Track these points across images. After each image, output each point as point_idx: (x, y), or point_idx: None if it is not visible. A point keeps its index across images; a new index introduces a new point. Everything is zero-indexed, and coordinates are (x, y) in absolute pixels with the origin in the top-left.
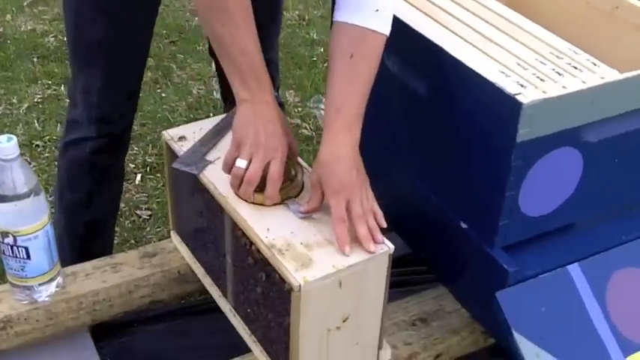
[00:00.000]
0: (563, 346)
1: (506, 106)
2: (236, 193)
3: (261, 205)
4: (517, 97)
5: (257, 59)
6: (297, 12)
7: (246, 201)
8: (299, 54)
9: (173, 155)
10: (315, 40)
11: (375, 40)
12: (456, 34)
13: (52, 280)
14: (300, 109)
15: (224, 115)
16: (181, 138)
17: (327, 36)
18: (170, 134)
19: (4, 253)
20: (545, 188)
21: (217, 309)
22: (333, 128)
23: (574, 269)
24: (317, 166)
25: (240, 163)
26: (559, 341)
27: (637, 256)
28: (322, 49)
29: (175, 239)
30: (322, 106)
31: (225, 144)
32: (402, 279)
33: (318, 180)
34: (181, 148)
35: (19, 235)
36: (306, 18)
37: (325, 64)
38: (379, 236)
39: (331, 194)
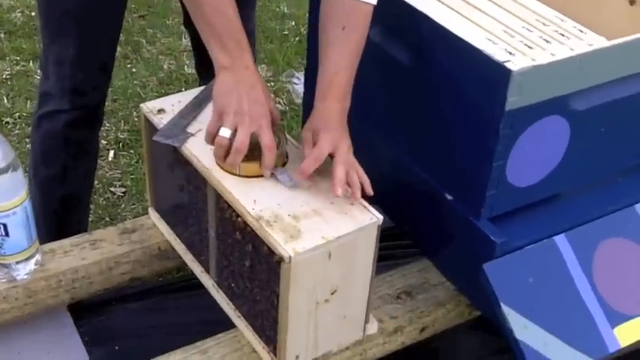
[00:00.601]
0: (551, 317)
1: (494, 73)
2: (219, 165)
3: (246, 176)
4: (506, 64)
5: (236, 24)
6: None
7: (230, 173)
8: (270, 27)
9: (152, 129)
10: (285, 14)
11: (363, 11)
12: (440, 1)
13: (30, 257)
14: (272, 83)
15: (203, 87)
16: (160, 111)
17: (297, 9)
18: (149, 107)
19: None
20: (532, 158)
21: (197, 286)
22: (326, 100)
23: (561, 240)
24: (307, 126)
25: (224, 132)
26: (547, 313)
27: (623, 225)
28: (293, 23)
29: (154, 216)
30: (295, 81)
31: (206, 116)
32: (386, 253)
33: (309, 135)
34: (161, 121)
35: None
36: None
37: (297, 38)
38: (358, 193)
39: (324, 138)
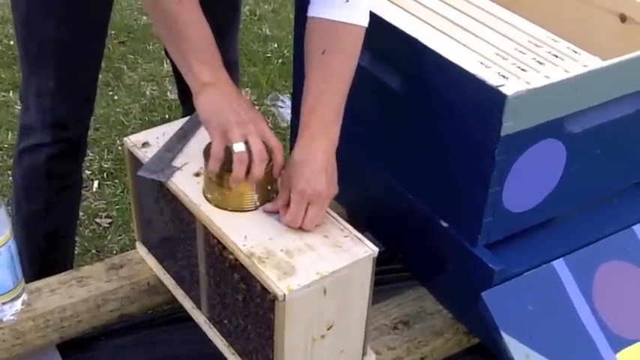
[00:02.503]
0: (553, 345)
1: (488, 98)
2: (207, 199)
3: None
4: (500, 88)
5: (211, 38)
6: (247, 7)
7: (219, 207)
8: (252, 50)
9: (137, 163)
10: (267, 36)
11: (347, 33)
12: (430, 25)
13: (16, 298)
14: (257, 107)
15: (187, 118)
16: (145, 144)
17: (280, 31)
18: (132, 141)
19: None
20: (528, 182)
21: (187, 318)
22: (309, 130)
23: (559, 265)
24: (289, 167)
25: (239, 147)
26: (548, 340)
27: (622, 248)
28: (276, 45)
29: (141, 250)
30: (280, 104)
31: (192, 149)
32: (379, 278)
33: (287, 179)
34: (145, 155)
35: None
36: (257, 13)
37: (280, 60)
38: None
39: (294, 194)
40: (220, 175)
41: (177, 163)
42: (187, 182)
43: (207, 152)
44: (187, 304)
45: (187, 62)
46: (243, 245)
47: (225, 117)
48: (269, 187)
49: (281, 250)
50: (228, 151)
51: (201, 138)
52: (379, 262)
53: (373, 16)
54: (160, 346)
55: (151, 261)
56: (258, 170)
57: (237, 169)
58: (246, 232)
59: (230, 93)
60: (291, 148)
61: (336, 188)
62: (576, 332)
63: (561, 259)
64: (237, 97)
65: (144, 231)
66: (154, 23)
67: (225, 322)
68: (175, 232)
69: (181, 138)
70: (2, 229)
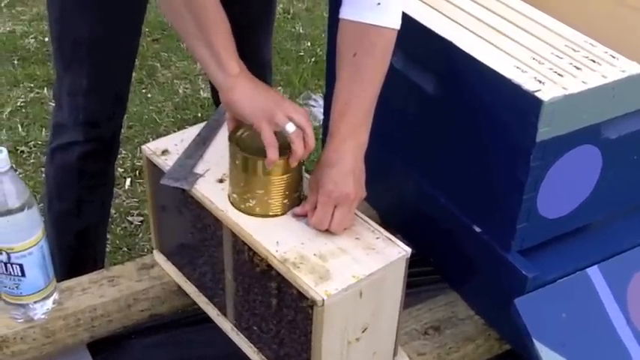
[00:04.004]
0: (585, 353)
1: (524, 103)
2: (234, 204)
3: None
4: (536, 94)
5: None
6: (281, 5)
7: (245, 212)
8: (285, 49)
9: (156, 170)
10: (301, 34)
11: (378, 36)
12: (466, 28)
13: (47, 296)
14: None
15: (204, 124)
16: (164, 152)
17: (313, 29)
18: (151, 148)
19: None
20: (563, 189)
21: None
22: (338, 132)
23: (593, 272)
24: (316, 168)
25: (290, 127)
26: (581, 348)
27: None
28: (309, 43)
29: (160, 258)
30: (313, 103)
31: (212, 155)
32: (410, 280)
33: (315, 182)
34: (166, 163)
35: (13, 252)
36: (291, 11)
37: (313, 59)
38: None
39: (322, 196)
40: (252, 169)
41: (198, 169)
42: (211, 189)
43: (235, 155)
44: (212, 312)
45: (218, 57)
46: (276, 251)
47: (265, 104)
48: (296, 192)
49: (314, 255)
50: (259, 139)
51: (220, 144)
52: (410, 264)
53: (407, 18)
54: (190, 345)
55: (170, 269)
56: (312, 142)
57: (297, 145)
58: (277, 238)
59: (254, 81)
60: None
61: (364, 191)
62: (610, 341)
63: (595, 266)
64: (259, 83)
65: (162, 238)
66: (175, 20)
67: (255, 328)
68: (199, 239)
69: (200, 144)
70: (34, 229)
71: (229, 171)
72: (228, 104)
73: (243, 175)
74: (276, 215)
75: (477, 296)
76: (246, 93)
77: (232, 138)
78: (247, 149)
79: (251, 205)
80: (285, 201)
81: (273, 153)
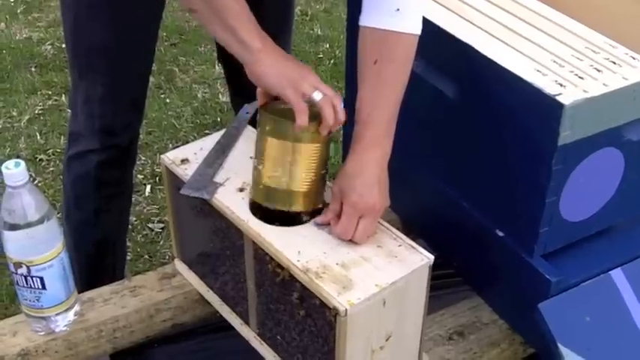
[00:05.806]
0: (610, 357)
1: (545, 107)
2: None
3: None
4: (557, 97)
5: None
6: (299, 7)
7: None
8: (304, 51)
9: (175, 180)
10: (319, 36)
11: (398, 43)
12: (485, 31)
13: (69, 308)
14: None
15: (223, 131)
16: (184, 161)
17: (331, 31)
18: (170, 158)
19: (17, 284)
20: (586, 192)
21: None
22: (361, 142)
23: (617, 274)
24: (340, 178)
25: (318, 95)
26: (605, 352)
27: None
28: (327, 45)
29: (181, 267)
30: None
31: (232, 163)
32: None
33: (339, 191)
34: (185, 172)
35: (33, 265)
36: (309, 13)
37: (332, 61)
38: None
39: (346, 207)
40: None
41: (218, 178)
42: (232, 198)
43: (265, 122)
44: (235, 321)
45: (238, 35)
46: (298, 261)
47: (292, 75)
48: (323, 170)
49: (337, 264)
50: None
51: (239, 152)
52: (432, 267)
53: (426, 22)
54: (214, 353)
55: (192, 278)
56: (342, 112)
57: (327, 112)
58: (299, 247)
59: (280, 52)
60: (343, 152)
61: (388, 200)
62: (634, 344)
63: (619, 268)
64: (286, 54)
65: (183, 248)
66: (196, 9)
67: (278, 337)
68: (220, 249)
69: (219, 153)
70: (54, 242)
71: (255, 145)
72: (255, 77)
73: (273, 142)
74: (300, 192)
75: (500, 300)
76: (271, 64)
77: (262, 109)
78: None
79: (277, 174)
80: (312, 176)
81: (302, 119)
